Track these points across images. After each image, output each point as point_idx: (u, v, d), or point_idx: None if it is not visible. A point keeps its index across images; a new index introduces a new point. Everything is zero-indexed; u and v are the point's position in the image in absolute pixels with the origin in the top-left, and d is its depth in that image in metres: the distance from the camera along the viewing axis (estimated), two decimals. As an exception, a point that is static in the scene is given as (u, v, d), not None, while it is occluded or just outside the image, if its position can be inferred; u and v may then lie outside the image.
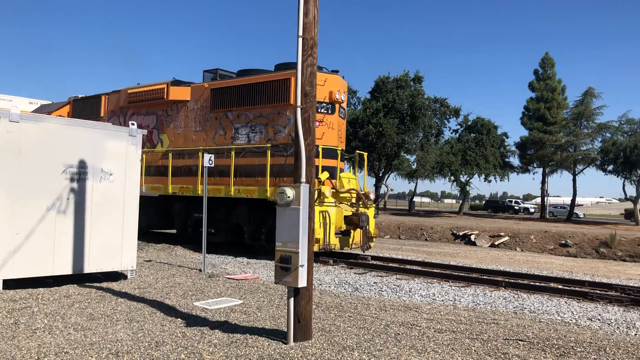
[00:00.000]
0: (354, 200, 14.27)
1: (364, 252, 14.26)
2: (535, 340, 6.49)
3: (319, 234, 12.94)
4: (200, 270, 11.42)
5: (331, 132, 14.25)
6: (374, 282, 10.79)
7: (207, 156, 11.62)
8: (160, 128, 17.00)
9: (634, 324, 7.83)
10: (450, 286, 10.78)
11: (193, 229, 15.93)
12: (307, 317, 6.08)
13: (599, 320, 8.07)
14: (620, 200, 75.26)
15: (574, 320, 7.99)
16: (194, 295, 8.64)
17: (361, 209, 14.03)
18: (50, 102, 22.88)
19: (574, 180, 42.62)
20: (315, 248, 12.54)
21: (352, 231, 13.81)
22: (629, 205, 46.01)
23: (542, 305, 9.06)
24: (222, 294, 8.82)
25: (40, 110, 20.82)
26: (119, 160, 9.68)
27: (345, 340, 6.14)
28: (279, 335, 6.22)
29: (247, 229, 14.77)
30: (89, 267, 9.26)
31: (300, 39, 6.12)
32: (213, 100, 15.46)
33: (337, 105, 14.24)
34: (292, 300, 5.98)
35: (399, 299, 9.33)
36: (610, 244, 22.00)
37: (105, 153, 9.49)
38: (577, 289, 10.82)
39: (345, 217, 13.76)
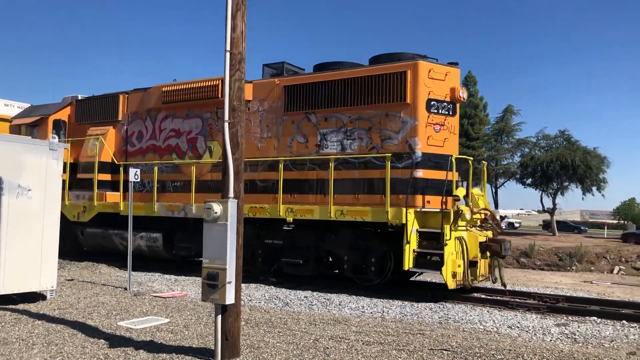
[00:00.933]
0: (479, 222, 11.87)
1: (504, 287, 11.62)
2: (459, 349, 6.71)
3: (458, 265, 10.40)
4: (125, 288, 11.04)
5: (453, 138, 11.79)
6: (305, 297, 10.81)
7: (132, 171, 11.24)
8: (207, 134, 14.01)
9: (549, 330, 8.24)
10: (379, 298, 10.96)
11: (264, 259, 12.99)
12: (235, 334, 6.02)
13: (518, 327, 8.44)
14: (538, 211, 79.10)
15: (495, 329, 8.31)
16: (119, 315, 8.35)
17: (489, 233, 11.80)
18: (33, 105, 19.15)
19: (496, 193, 44.55)
20: (453, 284, 10.38)
21: (479, 260, 11.25)
22: (547, 216, 48.44)
23: (466, 314, 9.37)
24: (148, 313, 8.57)
25: (32, 112, 17.68)
26: (38, 175, 9.24)
27: (274, 357, 6.12)
28: (206, 354, 6.12)
29: (347, 258, 11.85)
30: (4, 288, 8.74)
31: (228, 54, 6.13)
32: (288, 100, 12.61)
33: (457, 105, 11.89)
34: (219, 317, 5.91)
35: (329, 312, 9.39)
36: (530, 254, 23.12)
37: (23, 168, 9.03)
38: (498, 298, 11.28)
39: (481, 243, 11.21)
